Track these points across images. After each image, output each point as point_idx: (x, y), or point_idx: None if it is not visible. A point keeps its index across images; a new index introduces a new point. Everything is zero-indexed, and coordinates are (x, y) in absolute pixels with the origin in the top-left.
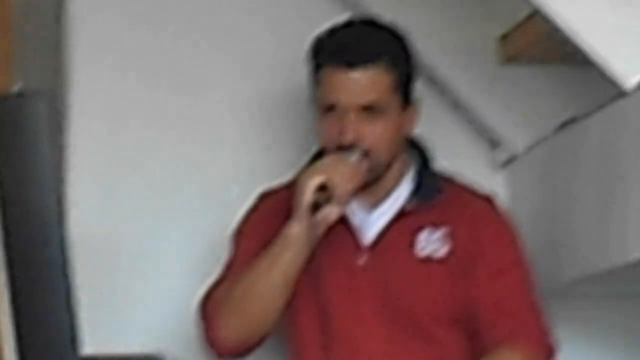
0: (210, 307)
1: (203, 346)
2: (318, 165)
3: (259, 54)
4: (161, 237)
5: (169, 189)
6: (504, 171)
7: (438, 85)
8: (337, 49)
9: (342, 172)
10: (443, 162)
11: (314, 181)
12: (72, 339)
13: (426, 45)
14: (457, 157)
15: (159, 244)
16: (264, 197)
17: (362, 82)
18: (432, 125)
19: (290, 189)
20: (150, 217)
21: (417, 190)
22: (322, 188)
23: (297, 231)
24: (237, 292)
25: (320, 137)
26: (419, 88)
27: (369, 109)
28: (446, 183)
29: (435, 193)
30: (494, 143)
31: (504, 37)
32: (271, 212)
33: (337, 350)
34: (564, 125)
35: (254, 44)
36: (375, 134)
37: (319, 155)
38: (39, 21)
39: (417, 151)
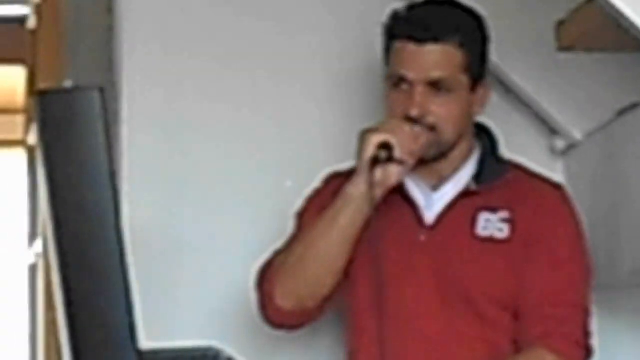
0: (266, 274)
1: (259, 317)
2: (381, 123)
3: (325, 38)
4: (218, 229)
5: (225, 180)
6: (562, 159)
7: (495, 73)
8: (411, 23)
9: (405, 133)
10: (502, 149)
11: (377, 137)
12: (130, 333)
13: None
14: (516, 145)
15: (215, 236)
16: (332, 178)
17: (431, 58)
18: (490, 113)
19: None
20: (207, 210)
21: (482, 173)
22: (385, 147)
23: (356, 187)
24: (295, 254)
25: (387, 110)
26: None
27: (436, 85)
28: (513, 168)
29: (500, 176)
30: (552, 131)
31: (562, 24)
32: (336, 193)
33: (392, 323)
34: (624, 111)
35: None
36: (441, 110)
37: None
38: (90, 17)
39: (485, 137)
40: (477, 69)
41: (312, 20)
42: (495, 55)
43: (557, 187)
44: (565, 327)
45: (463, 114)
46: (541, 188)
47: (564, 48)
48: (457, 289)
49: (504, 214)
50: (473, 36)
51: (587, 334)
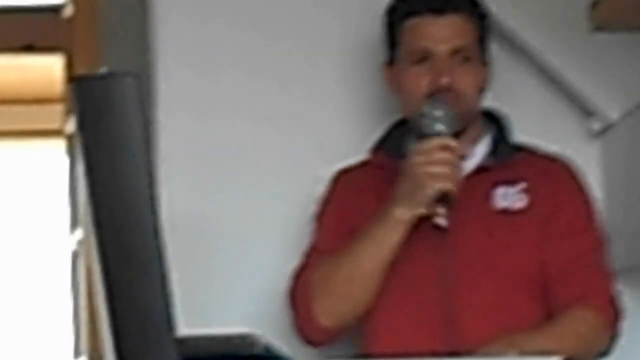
0: (303, 292)
1: (295, 333)
2: (437, 161)
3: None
4: (254, 216)
5: (261, 167)
6: (598, 141)
7: (529, 56)
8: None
9: (460, 175)
10: (537, 133)
11: (440, 185)
12: (167, 321)
13: (516, 15)
14: (551, 128)
15: (251, 223)
16: (340, 175)
17: (452, 27)
18: (525, 97)
19: (366, 165)
20: (243, 197)
21: (494, 151)
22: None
23: (408, 218)
24: (341, 275)
25: (404, 91)
26: (510, 60)
27: (459, 54)
28: (524, 148)
29: (512, 153)
30: (588, 112)
31: (595, 5)
32: (349, 190)
33: (408, 301)
34: None
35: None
36: (466, 79)
37: (397, 125)
38: (125, 2)
39: (494, 122)
40: (485, 42)
41: (346, 10)
42: (528, 37)
43: (565, 162)
44: (596, 291)
45: (481, 86)
46: (552, 164)
47: (597, 28)
48: (477, 261)
49: (519, 187)
50: (478, 9)
51: (615, 297)
